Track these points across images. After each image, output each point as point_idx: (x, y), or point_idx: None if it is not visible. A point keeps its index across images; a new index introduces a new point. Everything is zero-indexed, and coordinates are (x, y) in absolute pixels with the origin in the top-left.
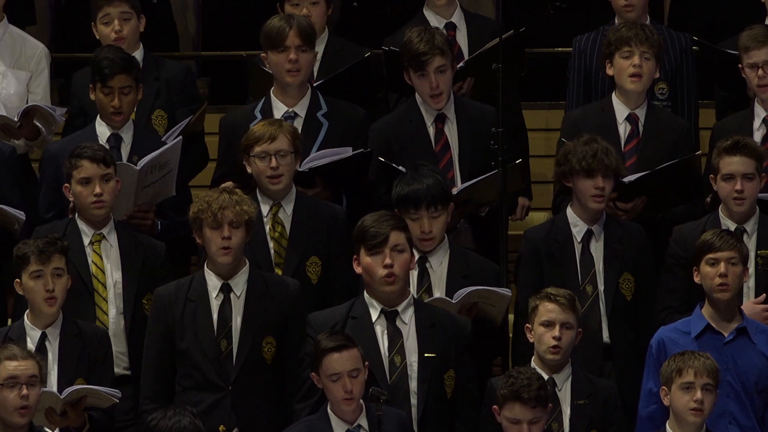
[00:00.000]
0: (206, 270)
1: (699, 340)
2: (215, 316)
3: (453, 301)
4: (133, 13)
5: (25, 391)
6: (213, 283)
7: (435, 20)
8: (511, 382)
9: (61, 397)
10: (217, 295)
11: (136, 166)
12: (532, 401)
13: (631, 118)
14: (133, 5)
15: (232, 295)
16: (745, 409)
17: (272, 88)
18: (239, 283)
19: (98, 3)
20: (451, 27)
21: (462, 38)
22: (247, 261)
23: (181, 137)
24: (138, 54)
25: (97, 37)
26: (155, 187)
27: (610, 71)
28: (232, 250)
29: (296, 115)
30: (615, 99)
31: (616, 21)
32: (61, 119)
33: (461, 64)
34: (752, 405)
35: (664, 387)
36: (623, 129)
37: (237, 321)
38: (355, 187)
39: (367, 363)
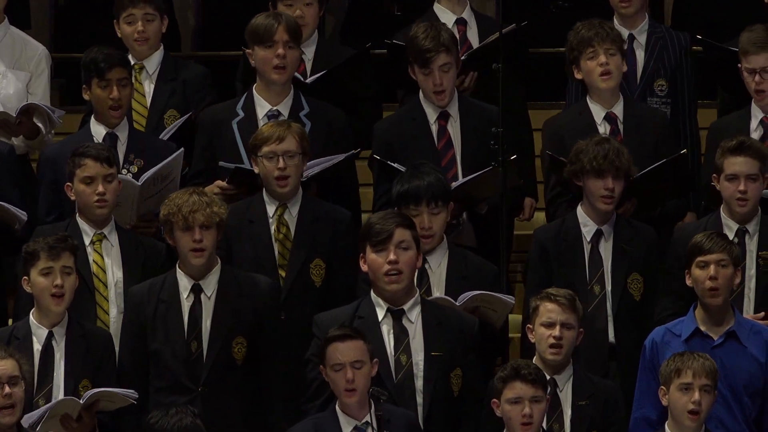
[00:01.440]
0: (178, 270)
1: (688, 343)
2: (186, 318)
3: (457, 304)
4: (156, 14)
5: (7, 390)
6: (184, 283)
7: (445, 16)
8: (509, 365)
9: (81, 402)
10: (188, 296)
11: (138, 182)
12: (531, 375)
13: (609, 117)
14: (158, 6)
15: (202, 295)
16: (732, 413)
17: (255, 85)
18: (210, 284)
19: (122, 2)
20: (461, 22)
21: (473, 35)
22: (219, 260)
23: (182, 149)
24: (158, 54)
25: (119, 35)
26: (157, 197)
27: (578, 75)
28: (204, 252)
29: (279, 113)
30: (590, 101)
31: (615, 19)
32: (59, 121)
33: (463, 57)
34: (740, 409)
35: (662, 387)
36: (603, 129)
37: (207, 322)
38: (340, 187)
39: (376, 360)
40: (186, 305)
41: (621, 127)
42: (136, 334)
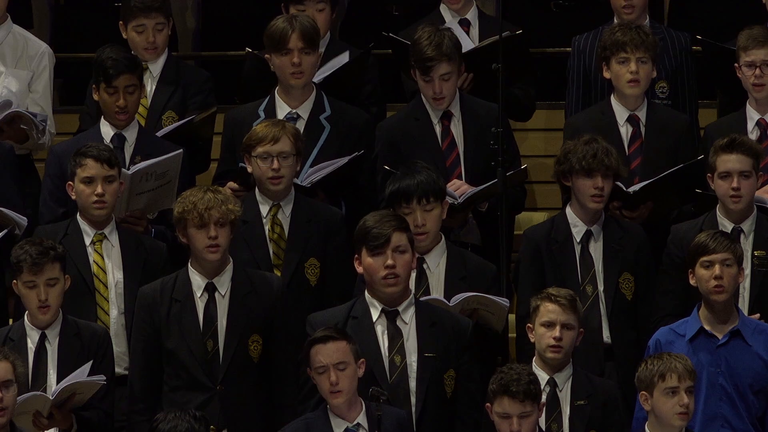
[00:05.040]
0: (190, 269)
1: (693, 343)
2: (201, 316)
3: (450, 304)
4: (166, 22)
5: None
6: (197, 282)
7: (450, 16)
8: (500, 377)
9: (51, 398)
10: (202, 295)
11: (128, 171)
12: (521, 395)
13: (632, 120)
14: (167, 14)
15: (216, 294)
16: (738, 411)
17: (276, 88)
18: (224, 282)
19: (132, 11)
20: (465, 23)
21: (475, 36)
22: (231, 259)
23: (182, 150)
24: (163, 56)
25: (124, 36)
26: (150, 195)
27: (607, 74)
28: (219, 248)
29: (299, 116)
30: (614, 101)
31: (615, 20)
32: (42, 125)
33: None
34: (746, 407)
35: (644, 392)
36: (625, 131)
37: (222, 320)
38: (350, 189)
39: (362, 360)
40: (200, 304)
41: (643, 129)
42: (149, 334)
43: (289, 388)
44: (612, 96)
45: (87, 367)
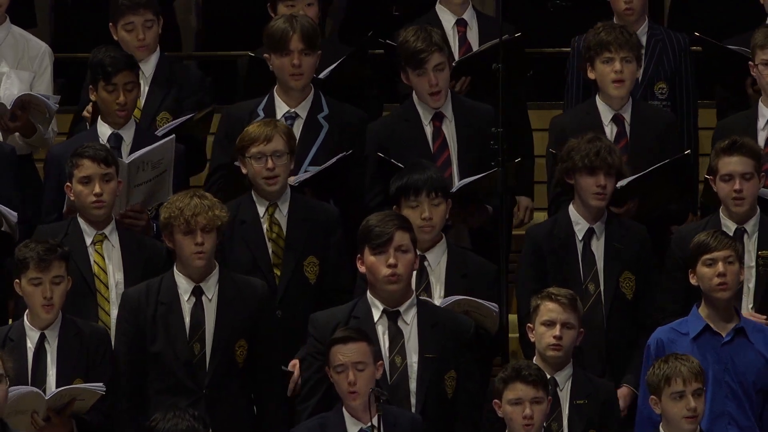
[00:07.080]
0: (176, 272)
1: (697, 341)
2: (187, 320)
3: (440, 307)
4: (155, 19)
5: None
6: (184, 286)
7: (446, 16)
8: (511, 365)
9: (46, 398)
10: (189, 298)
11: (125, 160)
12: (532, 376)
13: (617, 119)
14: (156, 11)
15: (203, 298)
16: (744, 409)
17: (275, 87)
18: (210, 286)
19: (121, 9)
20: (461, 23)
21: (473, 36)
22: (217, 263)
23: (174, 136)
24: (155, 56)
25: (115, 38)
26: (148, 186)
27: (591, 75)
28: (206, 254)
29: (297, 116)
30: (599, 101)
31: (615, 21)
32: (56, 106)
33: (453, 64)
34: (751, 405)
35: (653, 396)
36: (610, 130)
37: (210, 324)
38: (338, 187)
39: (380, 362)
40: (187, 307)
41: (628, 128)
42: (134, 337)
43: (276, 390)
44: (597, 96)
45: None
